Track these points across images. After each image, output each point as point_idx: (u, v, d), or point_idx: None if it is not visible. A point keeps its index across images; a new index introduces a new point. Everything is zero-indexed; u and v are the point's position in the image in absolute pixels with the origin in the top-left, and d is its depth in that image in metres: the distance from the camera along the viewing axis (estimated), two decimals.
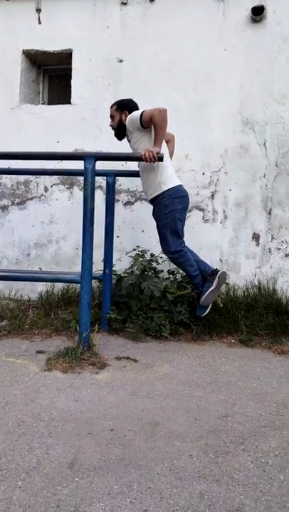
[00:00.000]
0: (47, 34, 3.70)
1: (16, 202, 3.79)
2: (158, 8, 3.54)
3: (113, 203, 3.12)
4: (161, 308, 3.01)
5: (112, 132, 2.84)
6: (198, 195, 3.51)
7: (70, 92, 3.68)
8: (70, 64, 3.69)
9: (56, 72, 4.09)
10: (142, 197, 3.56)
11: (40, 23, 3.72)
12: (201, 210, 3.52)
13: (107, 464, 1.47)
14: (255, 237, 3.46)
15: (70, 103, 3.68)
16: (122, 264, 3.44)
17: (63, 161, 3.33)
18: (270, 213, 3.44)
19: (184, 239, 2.76)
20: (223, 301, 3.03)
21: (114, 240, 3.18)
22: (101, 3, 3.62)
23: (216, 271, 2.71)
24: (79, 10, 3.64)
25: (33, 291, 3.65)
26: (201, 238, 3.44)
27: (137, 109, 2.71)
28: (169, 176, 2.67)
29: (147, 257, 3.18)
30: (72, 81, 3.68)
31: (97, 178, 3.10)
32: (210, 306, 2.76)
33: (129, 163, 3.27)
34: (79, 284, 2.61)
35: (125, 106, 2.73)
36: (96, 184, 3.32)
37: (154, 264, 3.20)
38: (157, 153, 2.45)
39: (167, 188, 2.63)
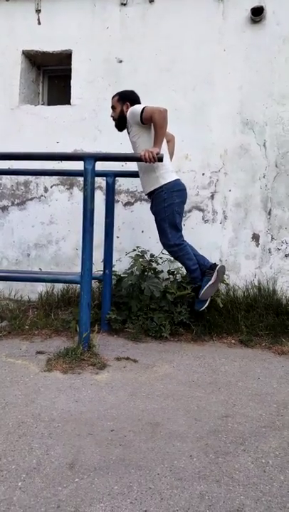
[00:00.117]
0: (46, 34, 3.70)
1: (15, 202, 3.79)
2: (157, 8, 3.54)
3: (113, 203, 3.12)
4: (161, 308, 3.01)
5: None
6: (197, 196, 3.51)
7: (70, 93, 3.69)
8: (70, 64, 3.69)
9: (56, 72, 4.09)
10: (142, 197, 3.56)
11: (39, 23, 3.73)
12: (201, 210, 3.52)
13: (108, 464, 1.47)
14: (255, 237, 3.46)
15: (70, 104, 3.69)
16: (121, 264, 3.44)
17: (63, 161, 3.33)
18: (269, 214, 3.44)
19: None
20: (223, 301, 3.03)
21: (114, 240, 3.18)
22: (100, 4, 3.62)
23: (214, 265, 2.72)
24: (78, 10, 3.65)
25: (33, 291, 3.66)
26: (201, 238, 3.44)
27: (139, 101, 2.71)
28: (167, 170, 2.66)
29: (147, 257, 3.18)
30: (71, 81, 3.68)
31: (96, 178, 3.10)
32: (208, 300, 2.76)
33: (129, 163, 3.28)
34: (79, 285, 2.60)
35: (127, 97, 2.73)
36: (96, 185, 3.32)
37: (154, 265, 3.20)
38: (157, 154, 2.45)
39: (166, 182, 2.63)
